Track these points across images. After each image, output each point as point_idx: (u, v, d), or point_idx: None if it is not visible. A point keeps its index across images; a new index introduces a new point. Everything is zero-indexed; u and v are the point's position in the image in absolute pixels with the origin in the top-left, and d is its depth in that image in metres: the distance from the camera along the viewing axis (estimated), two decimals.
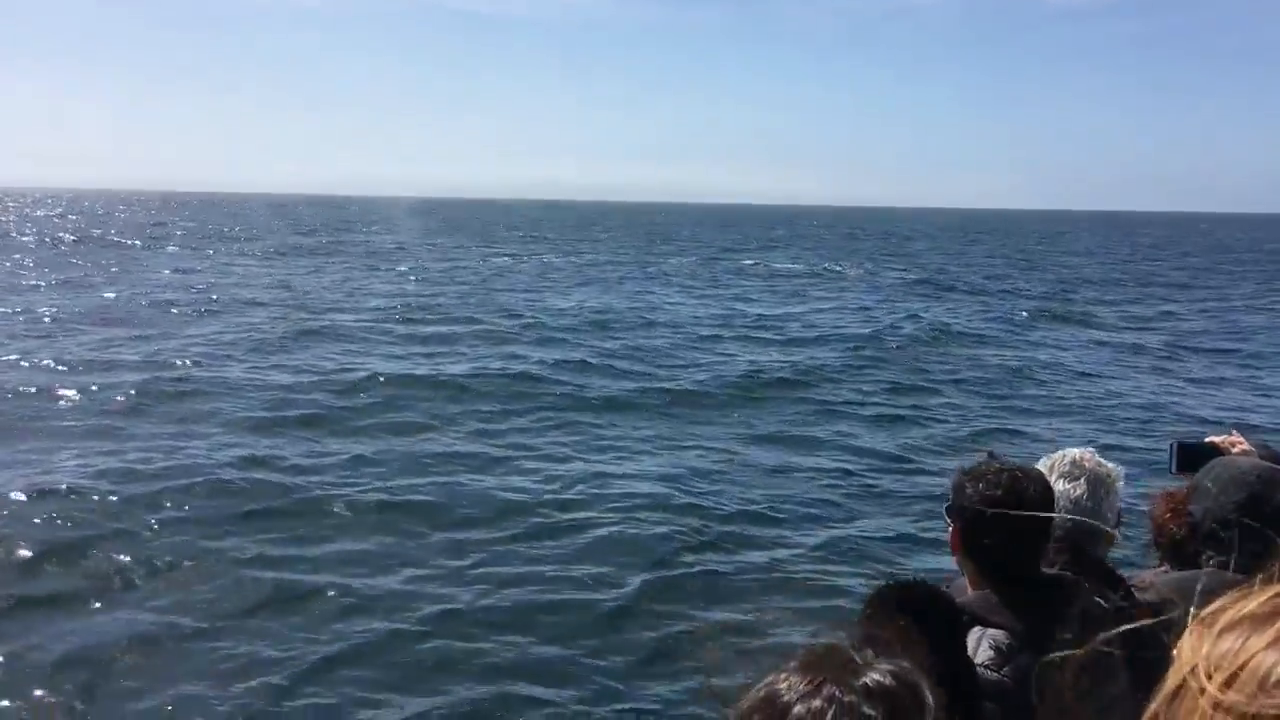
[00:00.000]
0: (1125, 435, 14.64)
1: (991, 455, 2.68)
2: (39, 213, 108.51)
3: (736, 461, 12.79)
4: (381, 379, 17.16)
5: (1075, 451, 2.95)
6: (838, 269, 48.78)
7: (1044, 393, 18.29)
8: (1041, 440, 13.34)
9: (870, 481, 12.16)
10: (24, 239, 58.10)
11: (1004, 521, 2.47)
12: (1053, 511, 2.58)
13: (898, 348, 22.72)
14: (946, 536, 2.67)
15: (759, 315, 28.76)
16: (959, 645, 2.29)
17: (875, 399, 17.33)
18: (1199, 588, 2.56)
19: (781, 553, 9.58)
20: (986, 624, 2.46)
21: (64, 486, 10.56)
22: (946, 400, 17.42)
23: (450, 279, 38.63)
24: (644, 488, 11.37)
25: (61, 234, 63.82)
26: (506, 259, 51.81)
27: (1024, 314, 29.62)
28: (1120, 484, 2.94)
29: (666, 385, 17.66)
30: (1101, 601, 2.49)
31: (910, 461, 13.13)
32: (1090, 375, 19.94)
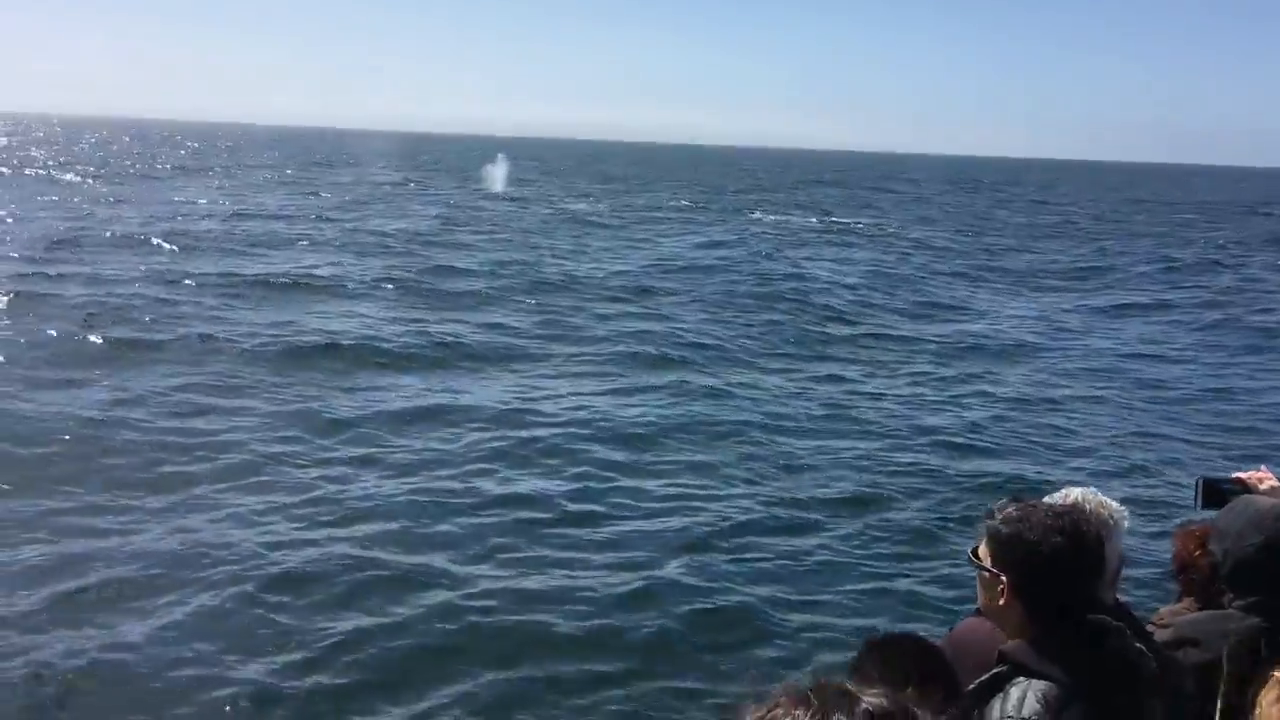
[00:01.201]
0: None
1: (1017, 498, 2.62)
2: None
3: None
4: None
5: (1077, 492, 2.88)
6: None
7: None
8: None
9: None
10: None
11: (1070, 568, 2.40)
12: (1104, 551, 2.53)
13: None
14: (981, 587, 2.58)
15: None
16: (952, 696, 2.26)
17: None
18: (1225, 632, 2.75)
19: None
20: (1032, 674, 2.38)
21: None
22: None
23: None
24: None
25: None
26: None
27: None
28: (1125, 524, 2.87)
29: None
30: (1143, 649, 2.45)
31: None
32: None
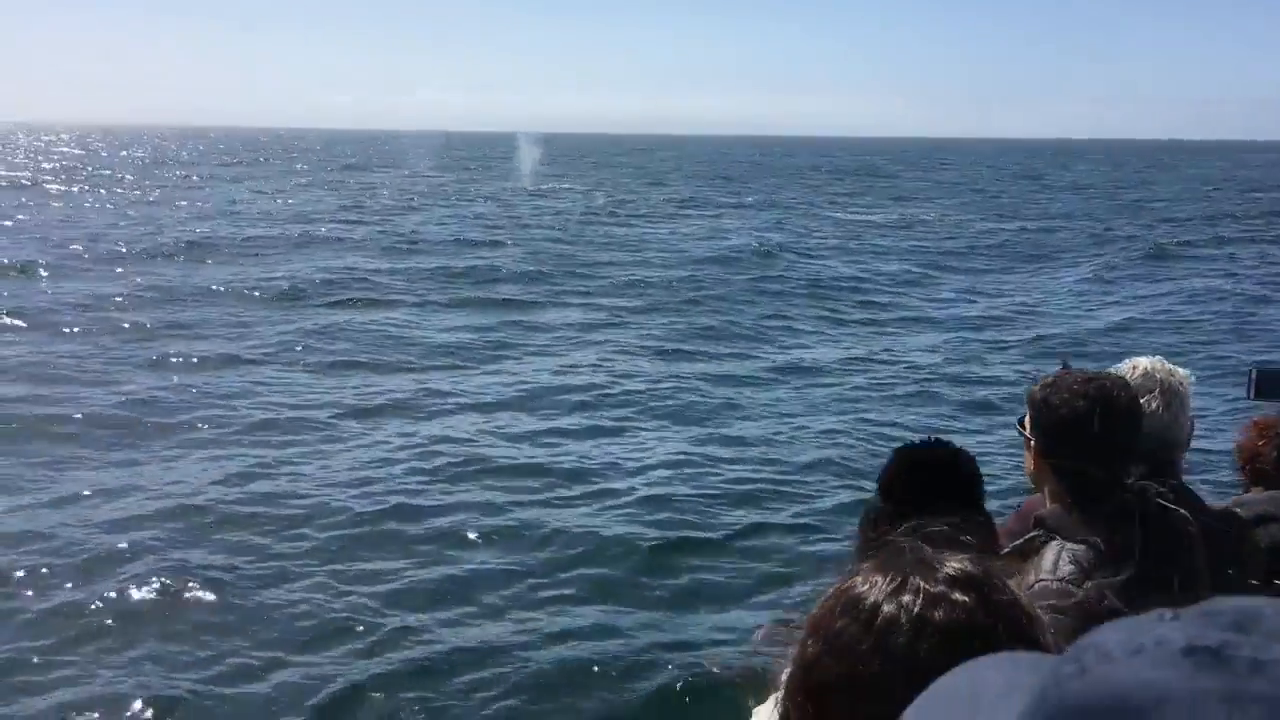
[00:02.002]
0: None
1: (1066, 365, 2.59)
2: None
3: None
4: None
5: (1145, 361, 2.79)
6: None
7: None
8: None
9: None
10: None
11: (1093, 430, 2.37)
12: (1140, 419, 2.48)
13: None
14: (1025, 451, 2.59)
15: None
16: (980, 506, 2.27)
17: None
18: None
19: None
20: (1067, 538, 2.38)
21: None
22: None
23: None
24: None
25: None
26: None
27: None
28: (1190, 390, 2.80)
29: None
30: (1185, 513, 2.44)
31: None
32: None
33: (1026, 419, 2.55)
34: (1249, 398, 3.22)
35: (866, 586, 1.11)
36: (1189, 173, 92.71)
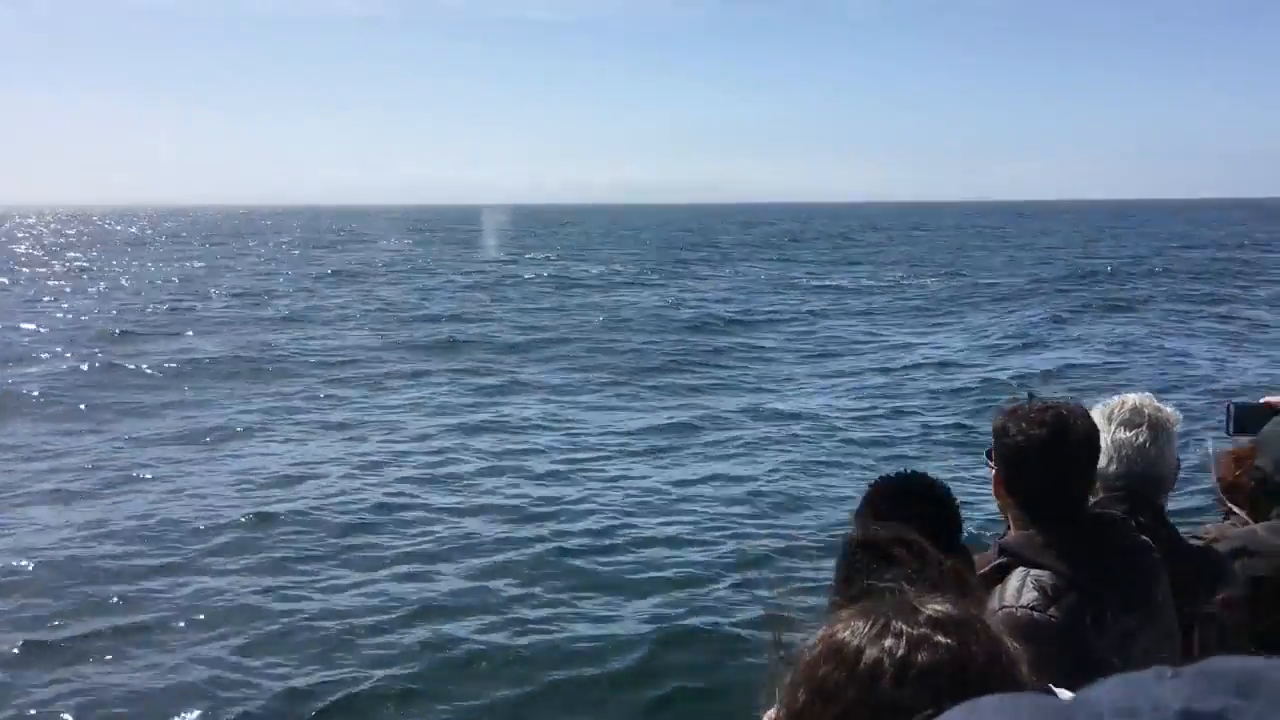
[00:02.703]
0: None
1: (1032, 395, 2.59)
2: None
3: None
4: None
5: (1134, 397, 2.82)
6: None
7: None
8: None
9: None
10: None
11: (1049, 458, 2.39)
12: (1098, 449, 2.50)
13: None
14: (990, 480, 2.61)
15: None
16: (956, 536, 2.25)
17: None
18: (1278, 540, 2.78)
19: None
20: (1030, 565, 2.38)
21: None
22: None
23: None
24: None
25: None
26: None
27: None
28: (1178, 428, 2.83)
29: None
30: (1148, 540, 2.46)
31: None
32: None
33: (991, 449, 2.58)
34: (1228, 434, 3.28)
35: (849, 633, 1.11)
36: (1144, 229, 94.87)
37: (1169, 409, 2.82)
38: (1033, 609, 2.31)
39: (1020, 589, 2.35)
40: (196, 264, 56.30)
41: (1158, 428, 2.74)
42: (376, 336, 25.96)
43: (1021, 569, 2.39)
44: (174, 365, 21.12)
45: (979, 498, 10.86)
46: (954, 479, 9.22)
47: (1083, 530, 2.41)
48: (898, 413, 16.65)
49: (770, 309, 32.22)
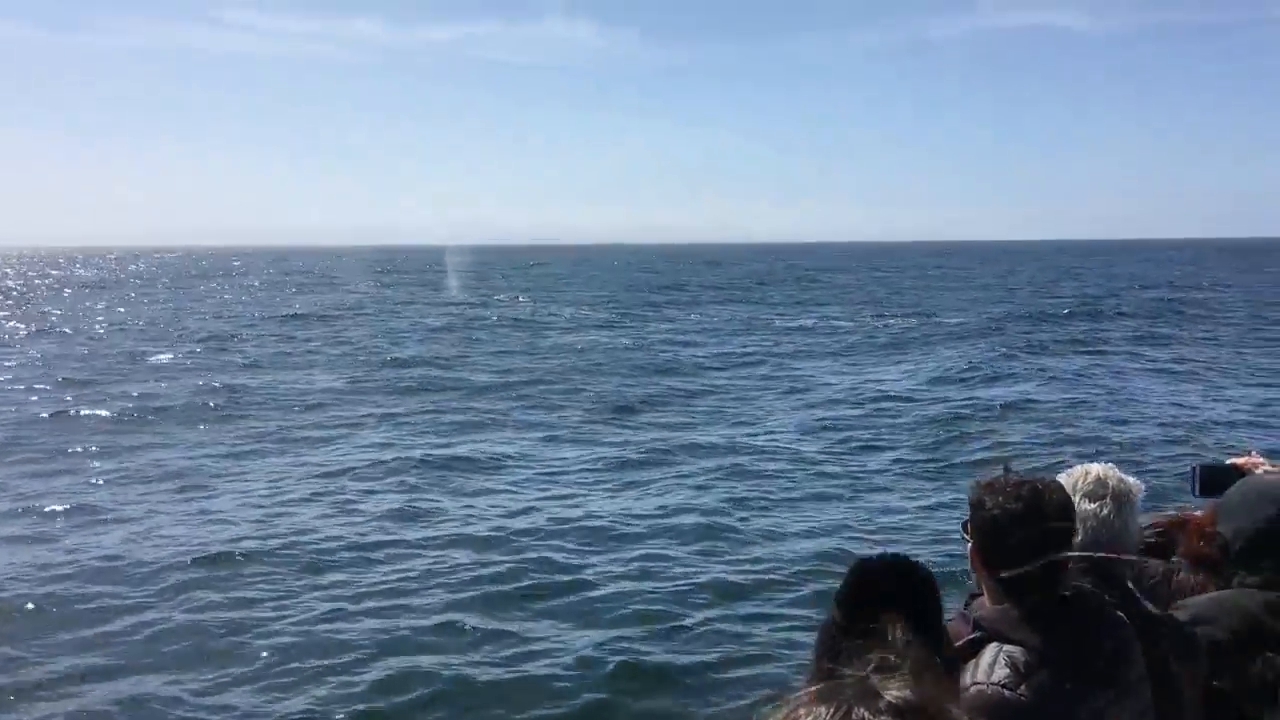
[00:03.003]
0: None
1: (1007, 468, 2.57)
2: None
3: None
4: None
5: (1097, 468, 2.84)
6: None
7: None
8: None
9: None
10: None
11: (1025, 532, 2.39)
12: (1073, 522, 2.51)
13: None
14: (965, 552, 2.60)
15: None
16: (935, 618, 2.24)
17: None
18: (1241, 607, 2.73)
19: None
20: (1004, 640, 2.37)
21: None
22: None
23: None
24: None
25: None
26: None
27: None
28: (1139, 498, 2.85)
29: None
30: (1123, 616, 2.45)
31: None
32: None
33: (967, 521, 2.56)
34: (1194, 494, 3.28)
35: (810, 718, 1.10)
36: (1108, 270, 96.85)
37: (1131, 479, 2.85)
38: (1004, 686, 2.30)
39: (992, 665, 2.34)
40: (162, 306, 56.24)
41: (1121, 499, 2.76)
42: (344, 379, 26.07)
43: (995, 644, 2.38)
44: (137, 410, 21.09)
45: (942, 524, 11.23)
46: (922, 506, 9.60)
47: (1057, 606, 2.40)
48: (867, 447, 17.11)
49: (743, 349, 32.81)
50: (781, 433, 18.56)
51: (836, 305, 53.84)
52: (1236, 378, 24.43)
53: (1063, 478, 2.76)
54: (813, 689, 1.13)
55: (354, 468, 15.73)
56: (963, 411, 20.00)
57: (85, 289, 78.68)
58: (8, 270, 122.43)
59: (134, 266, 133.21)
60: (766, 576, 10.34)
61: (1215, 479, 3.26)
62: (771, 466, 15.49)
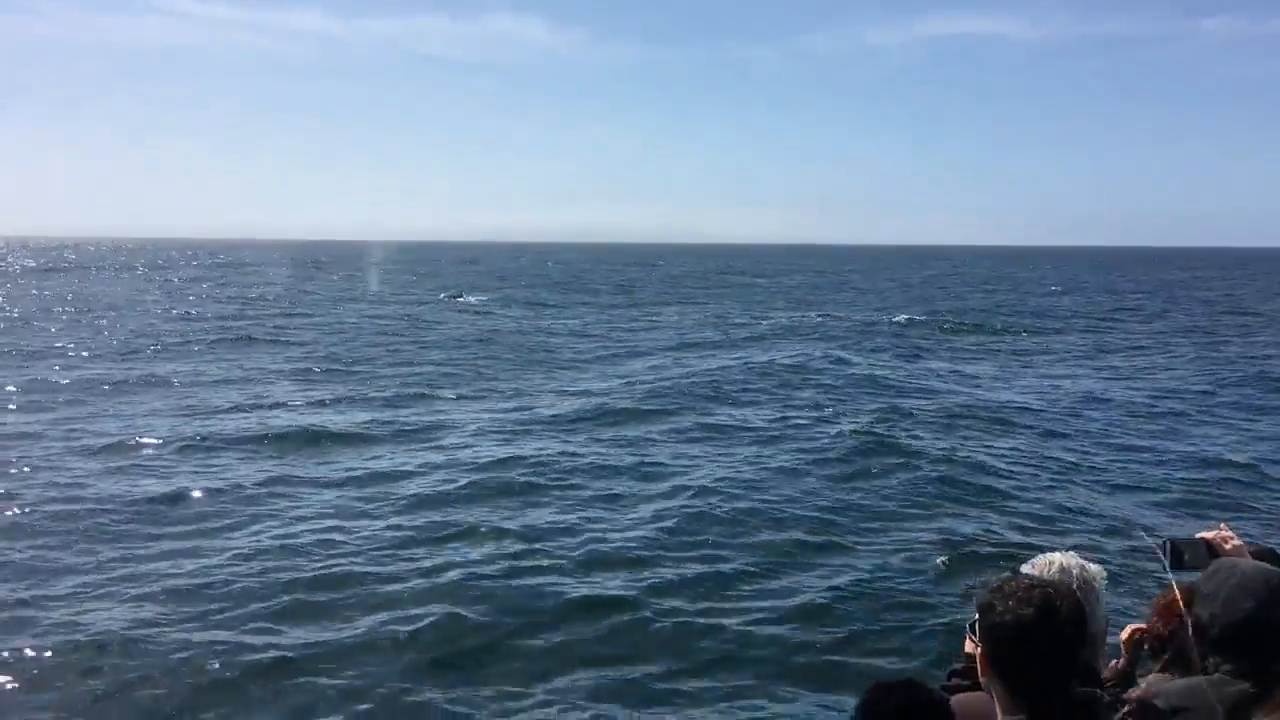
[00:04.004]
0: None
1: (1015, 572, 2.60)
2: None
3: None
4: None
5: (1059, 557, 2.86)
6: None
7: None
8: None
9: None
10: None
11: (1036, 638, 2.35)
12: (1085, 628, 2.46)
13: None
14: (973, 654, 2.57)
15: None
16: None
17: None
18: (1218, 697, 2.64)
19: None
20: None
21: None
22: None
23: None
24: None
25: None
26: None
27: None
28: (1103, 584, 2.87)
29: None
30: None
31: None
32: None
33: (976, 624, 2.52)
34: (1167, 570, 3.20)
35: None
36: (1037, 273, 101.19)
37: (1094, 566, 2.84)
38: None
39: None
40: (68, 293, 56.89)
41: (1086, 588, 2.74)
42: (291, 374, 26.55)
43: None
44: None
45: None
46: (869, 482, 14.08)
47: (1069, 713, 2.36)
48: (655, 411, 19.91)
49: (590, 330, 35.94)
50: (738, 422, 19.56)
51: (701, 305, 55.97)
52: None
53: (1026, 568, 2.79)
54: None
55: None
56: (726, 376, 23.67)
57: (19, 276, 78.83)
58: None
59: (69, 254, 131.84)
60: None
61: (1187, 553, 3.21)
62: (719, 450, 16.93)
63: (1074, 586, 2.71)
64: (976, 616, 2.50)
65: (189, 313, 44.27)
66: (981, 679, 2.52)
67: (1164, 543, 3.27)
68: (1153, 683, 3.04)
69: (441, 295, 57.12)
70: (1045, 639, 2.35)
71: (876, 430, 18.16)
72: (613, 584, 10.56)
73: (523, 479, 14.79)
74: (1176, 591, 3.05)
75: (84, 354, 29.84)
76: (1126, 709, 2.61)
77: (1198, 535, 3.29)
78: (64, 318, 42.08)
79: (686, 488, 14.24)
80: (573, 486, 14.55)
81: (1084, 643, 2.46)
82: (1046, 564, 2.84)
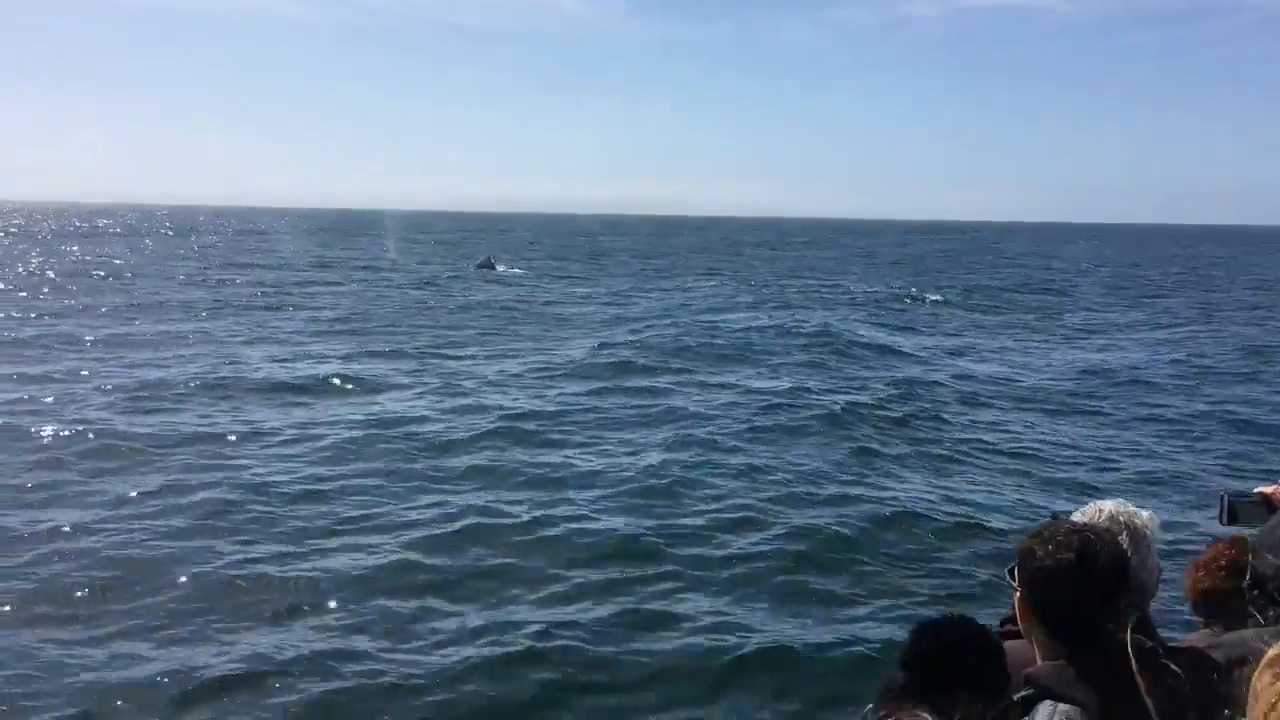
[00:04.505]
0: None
1: (1055, 517, 2.55)
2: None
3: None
4: None
5: (1109, 505, 2.79)
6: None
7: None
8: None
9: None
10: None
11: (1077, 585, 2.33)
12: (1128, 572, 2.44)
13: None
14: (1013, 603, 2.53)
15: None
16: (1000, 685, 2.18)
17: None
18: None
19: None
20: (1058, 698, 2.29)
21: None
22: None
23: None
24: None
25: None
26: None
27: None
28: (1155, 532, 2.79)
29: None
30: (1174, 667, 2.37)
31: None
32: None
33: (1016, 569, 2.50)
34: (1221, 524, 3.20)
35: None
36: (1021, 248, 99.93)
37: (1144, 513, 2.80)
38: None
39: None
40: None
41: (1136, 536, 2.71)
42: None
43: (1049, 703, 2.30)
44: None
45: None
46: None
47: (1112, 660, 2.30)
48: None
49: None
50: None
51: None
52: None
53: (1076, 516, 2.73)
54: None
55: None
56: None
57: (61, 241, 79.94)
58: None
59: (103, 221, 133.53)
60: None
61: (1243, 509, 3.18)
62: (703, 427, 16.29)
63: (1124, 535, 2.67)
64: (1016, 562, 2.48)
65: (223, 279, 44.67)
66: (1021, 625, 2.50)
67: (1221, 497, 3.29)
68: (1200, 637, 2.98)
69: (472, 266, 56.17)
70: (1085, 583, 2.34)
71: (897, 396, 18.39)
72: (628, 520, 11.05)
73: (544, 427, 15.40)
74: (1235, 546, 3.04)
75: (132, 309, 31.29)
76: (1176, 658, 2.51)
77: (1255, 489, 3.29)
78: (114, 281, 42.79)
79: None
80: (607, 427, 15.32)
81: (1125, 588, 2.42)
82: (1096, 511, 2.78)
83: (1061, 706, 2.26)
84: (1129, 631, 2.35)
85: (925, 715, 2.04)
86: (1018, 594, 2.46)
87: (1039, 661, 2.41)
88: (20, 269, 48.23)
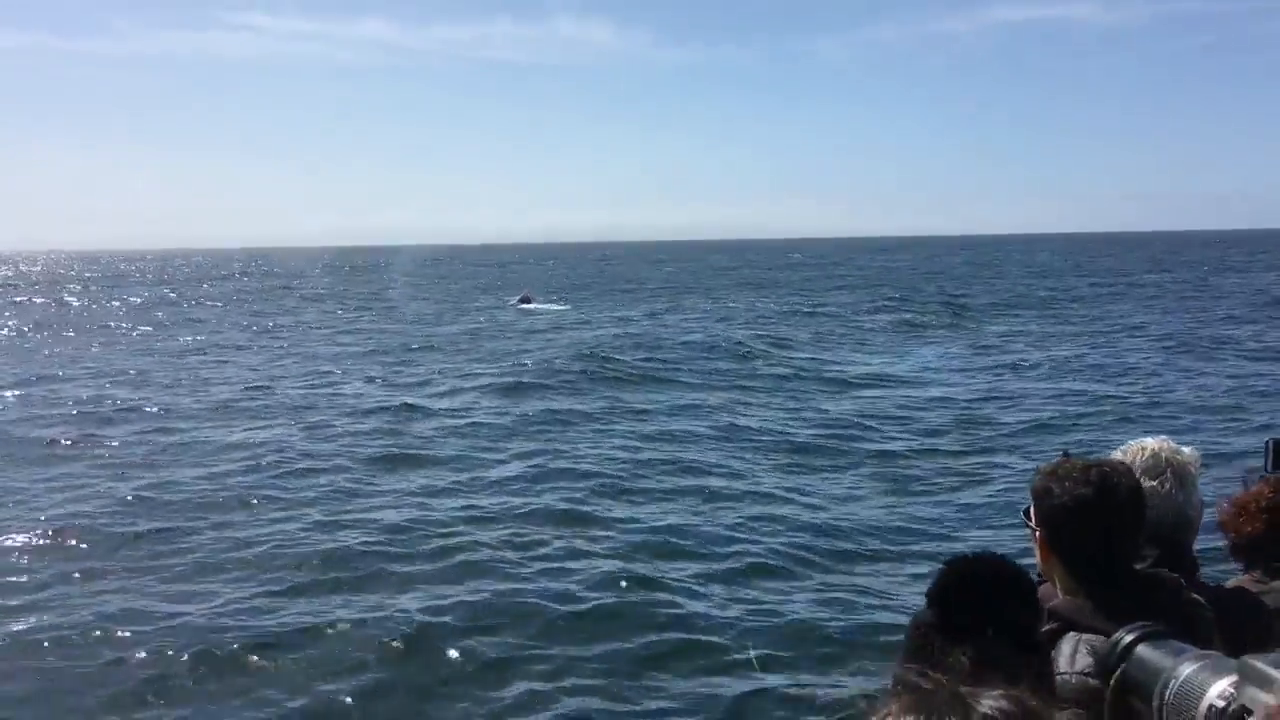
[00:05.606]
0: None
1: (1067, 454, 2.52)
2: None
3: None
4: None
5: (1151, 443, 2.80)
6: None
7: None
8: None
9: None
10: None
11: (1097, 519, 2.34)
12: (1145, 506, 2.44)
13: None
14: (1032, 543, 2.52)
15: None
16: (1030, 617, 2.15)
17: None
18: None
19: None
20: (1083, 629, 2.30)
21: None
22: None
23: None
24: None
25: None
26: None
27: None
28: (1198, 469, 2.79)
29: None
30: (1200, 599, 2.39)
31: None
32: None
33: (1032, 509, 2.49)
34: (1267, 471, 3.16)
35: None
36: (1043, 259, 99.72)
37: (1188, 450, 2.79)
38: (1088, 675, 2.19)
39: (1074, 655, 2.28)
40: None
41: (1180, 473, 2.71)
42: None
43: (1073, 634, 2.31)
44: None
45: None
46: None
47: (1133, 592, 2.29)
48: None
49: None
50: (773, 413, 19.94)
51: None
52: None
53: (1117, 454, 2.74)
54: (901, 699, 1.13)
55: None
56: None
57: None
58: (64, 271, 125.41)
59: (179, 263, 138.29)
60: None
61: None
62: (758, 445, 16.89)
63: (1168, 471, 2.72)
64: (1031, 503, 2.49)
65: (269, 324, 44.94)
66: (1041, 566, 2.51)
67: (1268, 441, 3.24)
68: (1252, 580, 2.98)
69: (510, 301, 54.53)
70: (1105, 517, 2.34)
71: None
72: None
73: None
74: (1275, 488, 3.04)
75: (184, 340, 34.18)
76: (1213, 594, 2.52)
77: None
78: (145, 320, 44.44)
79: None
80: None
81: (1143, 523, 2.44)
82: (1139, 449, 2.79)
83: (1085, 636, 2.28)
84: (1152, 565, 2.42)
85: (938, 676, 1.81)
86: (1036, 535, 2.48)
87: (1058, 596, 2.43)
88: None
